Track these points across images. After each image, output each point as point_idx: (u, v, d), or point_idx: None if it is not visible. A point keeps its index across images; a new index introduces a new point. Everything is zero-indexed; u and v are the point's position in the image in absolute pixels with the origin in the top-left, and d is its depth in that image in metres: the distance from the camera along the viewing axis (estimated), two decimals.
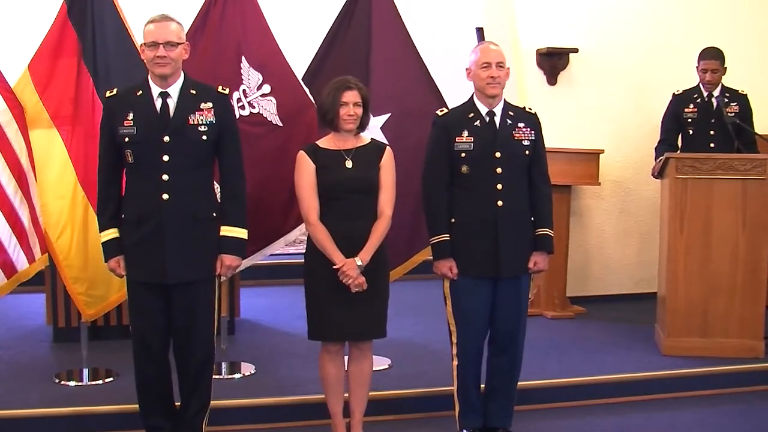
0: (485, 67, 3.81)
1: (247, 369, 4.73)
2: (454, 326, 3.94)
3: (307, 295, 3.82)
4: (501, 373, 3.99)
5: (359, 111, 3.76)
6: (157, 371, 3.76)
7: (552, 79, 6.31)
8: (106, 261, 3.72)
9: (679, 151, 5.62)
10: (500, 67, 3.83)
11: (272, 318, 5.95)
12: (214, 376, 3.90)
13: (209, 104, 3.66)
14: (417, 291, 5.64)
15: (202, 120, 3.63)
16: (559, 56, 6.27)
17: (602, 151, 6.01)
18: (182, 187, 3.59)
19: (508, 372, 3.99)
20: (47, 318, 5.31)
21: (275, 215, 4.58)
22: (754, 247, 5.01)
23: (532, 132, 3.90)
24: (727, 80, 5.70)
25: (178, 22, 3.67)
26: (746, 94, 5.71)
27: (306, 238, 3.88)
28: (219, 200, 3.78)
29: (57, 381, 4.49)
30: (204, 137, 3.63)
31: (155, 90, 3.63)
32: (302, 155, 3.79)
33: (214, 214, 3.70)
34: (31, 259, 4.30)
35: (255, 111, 4.57)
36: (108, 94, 3.72)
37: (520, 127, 3.88)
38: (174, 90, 3.63)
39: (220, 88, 3.75)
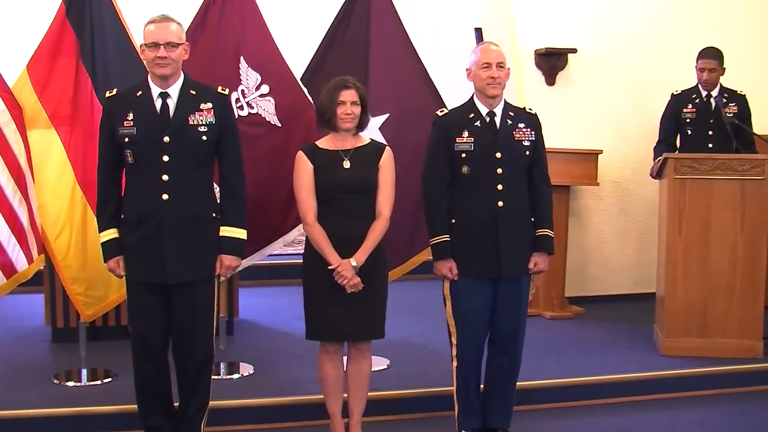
0: (486, 67, 3.81)
1: (246, 369, 4.73)
2: (454, 327, 3.93)
3: (305, 295, 3.82)
4: (500, 374, 3.99)
5: (357, 110, 3.76)
6: (157, 371, 3.75)
7: (551, 80, 6.31)
8: (105, 261, 3.71)
9: (677, 152, 5.62)
10: (500, 67, 3.83)
11: (271, 318, 5.95)
12: (212, 377, 3.89)
13: (209, 105, 3.65)
14: (416, 291, 5.64)
15: (202, 120, 3.63)
16: (557, 56, 6.27)
17: (601, 152, 6.01)
18: (182, 187, 3.59)
19: (507, 372, 3.98)
20: (46, 318, 5.31)
21: (274, 215, 4.58)
22: (752, 247, 5.01)
23: (533, 132, 3.90)
24: (727, 80, 5.71)
25: (179, 23, 3.67)
26: (745, 95, 5.71)
27: (305, 239, 3.87)
28: (219, 200, 3.78)
29: (56, 381, 4.48)
30: (204, 137, 3.62)
31: (155, 90, 3.62)
32: (300, 155, 3.79)
33: (214, 215, 3.70)
34: (30, 259, 4.30)
35: (254, 111, 4.57)
36: (108, 94, 3.72)
37: (520, 128, 3.88)
38: (174, 90, 3.63)
39: (219, 89, 3.74)
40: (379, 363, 4.68)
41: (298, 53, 4.93)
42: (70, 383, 4.48)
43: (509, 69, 3.91)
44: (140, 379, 3.76)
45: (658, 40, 6.44)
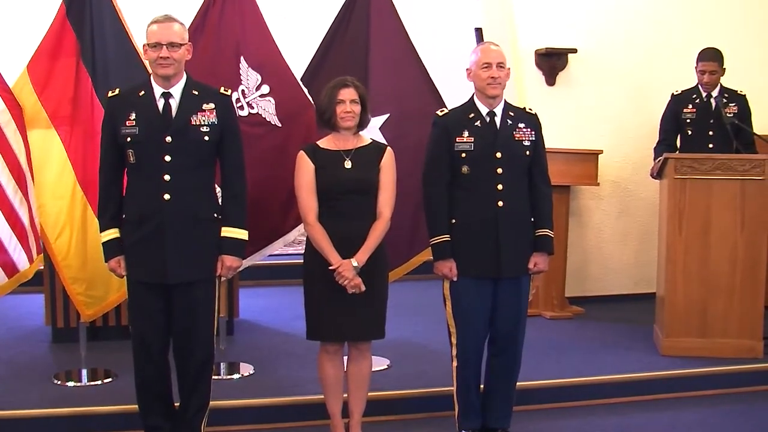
0: (486, 67, 3.81)
1: (246, 369, 4.73)
2: (454, 327, 3.93)
3: (306, 295, 3.82)
4: (500, 374, 3.99)
5: (357, 108, 3.76)
6: (157, 371, 3.75)
7: (551, 80, 6.32)
8: (106, 261, 3.71)
9: (678, 152, 5.62)
10: (501, 67, 3.83)
11: (271, 318, 5.95)
12: (213, 377, 3.89)
13: (211, 105, 3.65)
14: (417, 291, 5.64)
15: (204, 120, 3.63)
16: (558, 57, 6.28)
17: (601, 152, 6.01)
18: (183, 187, 3.59)
19: (507, 372, 3.98)
20: (46, 318, 5.31)
21: (274, 216, 4.57)
22: (753, 247, 5.01)
23: (533, 132, 3.90)
24: (727, 80, 5.71)
25: (181, 23, 3.67)
26: (745, 95, 5.72)
27: (305, 239, 3.87)
28: (220, 201, 3.78)
29: (56, 381, 4.48)
30: (206, 138, 3.62)
31: (157, 90, 3.62)
32: (302, 155, 3.79)
33: (215, 215, 3.70)
34: (30, 258, 4.29)
35: (254, 111, 4.57)
36: (110, 94, 3.71)
37: (520, 128, 3.88)
38: (176, 90, 3.63)
39: (222, 89, 3.74)
40: (380, 363, 4.68)
41: (298, 53, 4.93)
42: (70, 383, 4.48)
43: (509, 69, 3.91)
44: (140, 379, 3.76)
45: (658, 40, 6.44)
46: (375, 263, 3.75)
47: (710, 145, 5.55)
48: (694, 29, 6.37)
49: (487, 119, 3.87)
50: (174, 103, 3.62)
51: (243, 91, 4.55)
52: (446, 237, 3.85)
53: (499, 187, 3.81)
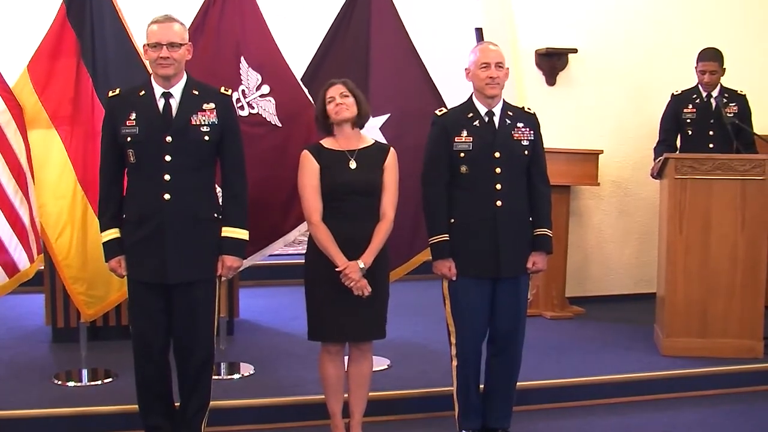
0: (484, 67, 3.82)
1: (246, 369, 4.73)
2: (453, 327, 3.93)
3: (307, 295, 3.82)
4: (500, 374, 3.99)
5: (348, 100, 3.76)
6: (157, 371, 3.75)
7: (551, 80, 6.32)
8: (106, 261, 3.71)
9: (678, 152, 5.62)
10: (499, 67, 3.83)
11: (271, 318, 5.95)
12: (213, 377, 3.89)
13: (212, 105, 3.65)
14: (417, 291, 5.63)
15: (204, 120, 3.63)
16: (558, 57, 6.28)
17: (601, 152, 6.01)
18: (184, 187, 3.59)
19: (507, 372, 3.98)
20: (46, 318, 5.31)
21: (274, 216, 4.57)
22: (753, 247, 5.01)
23: (531, 132, 3.90)
24: (727, 80, 5.71)
25: (182, 23, 3.67)
26: (745, 95, 5.72)
27: (306, 239, 3.87)
28: (220, 201, 3.78)
29: (56, 381, 4.48)
30: (206, 138, 3.62)
31: (158, 90, 3.63)
32: (306, 155, 3.78)
33: (216, 215, 3.70)
34: (31, 258, 4.29)
35: (254, 111, 4.57)
36: (111, 93, 3.72)
37: (519, 127, 3.88)
38: (176, 90, 3.63)
39: (222, 89, 3.74)
40: (380, 363, 4.69)
41: (298, 53, 4.93)
42: (71, 383, 4.48)
43: (508, 69, 3.91)
44: (141, 379, 3.76)
45: (658, 40, 6.44)
46: (376, 263, 3.74)
47: (710, 145, 5.55)
48: (694, 29, 6.37)
49: (486, 119, 3.87)
50: (174, 103, 3.62)
51: (243, 91, 4.55)
52: (445, 236, 3.85)
53: (498, 186, 3.81)
